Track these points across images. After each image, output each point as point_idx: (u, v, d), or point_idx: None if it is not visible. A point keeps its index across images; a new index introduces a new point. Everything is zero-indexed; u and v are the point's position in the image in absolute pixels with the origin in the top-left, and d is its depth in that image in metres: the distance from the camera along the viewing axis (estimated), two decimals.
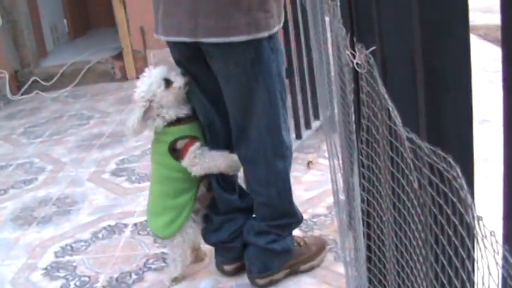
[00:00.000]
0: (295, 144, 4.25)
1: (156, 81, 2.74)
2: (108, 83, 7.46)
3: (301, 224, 3.40)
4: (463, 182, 0.62)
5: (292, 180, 3.95)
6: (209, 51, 2.59)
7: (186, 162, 2.78)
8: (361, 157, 1.25)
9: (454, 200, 0.65)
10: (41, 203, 4.28)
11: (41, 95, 7.27)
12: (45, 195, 4.42)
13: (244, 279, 2.98)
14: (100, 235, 3.68)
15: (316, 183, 3.92)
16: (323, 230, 3.36)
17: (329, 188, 3.53)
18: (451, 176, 0.65)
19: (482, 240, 0.55)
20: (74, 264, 3.40)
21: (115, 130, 5.70)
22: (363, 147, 1.22)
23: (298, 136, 4.52)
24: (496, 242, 0.54)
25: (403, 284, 1.05)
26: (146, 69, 2.84)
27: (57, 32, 9.01)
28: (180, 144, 2.79)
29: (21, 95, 7.39)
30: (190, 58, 2.73)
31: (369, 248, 1.34)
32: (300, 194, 3.77)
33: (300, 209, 3.55)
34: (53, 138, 5.73)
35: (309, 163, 4.18)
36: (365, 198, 1.28)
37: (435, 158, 0.69)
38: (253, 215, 2.96)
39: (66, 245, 3.62)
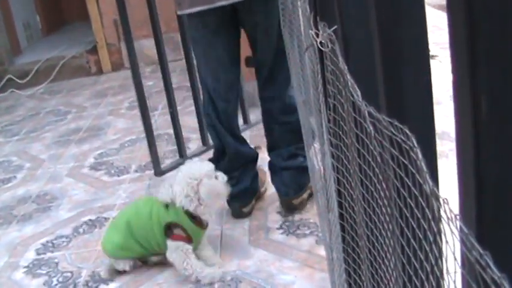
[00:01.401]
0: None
1: (213, 186, 2.92)
2: (84, 78, 7.42)
3: (281, 209, 3.42)
4: (419, 152, 0.61)
5: None
6: (253, 9, 3.01)
7: (170, 244, 2.92)
8: (329, 136, 1.24)
9: (413, 171, 0.65)
10: (20, 201, 4.25)
11: (16, 92, 7.21)
12: (25, 192, 4.39)
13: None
14: (81, 230, 3.66)
15: None
16: (303, 213, 3.37)
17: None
18: (408, 146, 0.64)
19: (439, 211, 0.55)
20: (56, 260, 3.38)
21: (92, 124, 5.67)
22: (330, 126, 1.21)
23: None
24: (455, 217, 0.54)
25: (375, 261, 1.05)
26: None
27: (30, 29, 8.93)
28: (177, 231, 2.91)
29: None
30: (224, 22, 3.08)
31: (342, 227, 1.34)
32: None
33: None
34: (30, 136, 5.69)
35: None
36: (335, 178, 1.28)
37: (393, 130, 0.69)
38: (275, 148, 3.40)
39: (48, 242, 3.60)
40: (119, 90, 6.66)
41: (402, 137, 0.66)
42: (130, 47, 3.94)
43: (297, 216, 3.35)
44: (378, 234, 0.99)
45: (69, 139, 5.38)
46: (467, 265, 0.52)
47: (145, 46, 7.35)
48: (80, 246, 3.47)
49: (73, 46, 8.00)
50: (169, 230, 2.91)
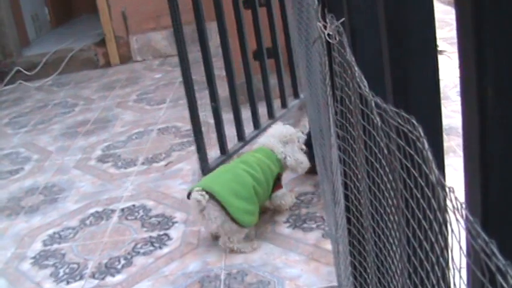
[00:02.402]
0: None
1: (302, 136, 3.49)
2: (92, 70, 7.43)
3: None
4: (425, 141, 0.61)
5: None
6: None
7: (279, 194, 3.34)
8: (336, 129, 1.24)
9: (420, 161, 0.65)
10: (27, 193, 4.27)
11: (24, 84, 7.23)
12: (32, 184, 4.40)
13: (231, 260, 2.98)
14: (88, 222, 3.67)
15: None
16: (310, 207, 3.37)
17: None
18: (414, 136, 0.64)
19: (444, 200, 0.55)
20: (63, 252, 3.39)
21: (100, 116, 5.68)
22: (337, 118, 1.21)
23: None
24: (461, 206, 0.54)
25: (381, 253, 1.05)
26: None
27: (38, 21, 8.94)
28: (278, 182, 3.34)
29: (5, 85, 7.35)
30: None
31: (348, 220, 1.34)
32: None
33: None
34: (38, 128, 5.70)
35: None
36: (342, 171, 1.28)
37: (400, 121, 0.69)
38: None
39: (54, 233, 3.61)
40: (126, 83, 6.66)
41: (409, 127, 0.66)
42: (179, 37, 3.78)
43: (303, 210, 3.35)
44: (383, 226, 0.99)
45: (77, 131, 5.39)
46: (473, 254, 0.52)
47: (153, 39, 7.36)
48: (86, 238, 3.48)
49: (81, 39, 8.01)
50: (278, 180, 3.31)
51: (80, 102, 6.30)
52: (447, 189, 0.55)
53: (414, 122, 0.64)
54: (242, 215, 3.01)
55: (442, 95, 0.97)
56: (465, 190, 0.61)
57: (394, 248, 0.91)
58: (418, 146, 0.64)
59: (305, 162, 3.41)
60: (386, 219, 0.94)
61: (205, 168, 3.84)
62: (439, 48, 5.00)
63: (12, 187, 4.41)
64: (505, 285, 0.44)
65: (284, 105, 4.63)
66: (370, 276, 1.25)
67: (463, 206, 0.51)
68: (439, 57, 0.91)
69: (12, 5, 7.85)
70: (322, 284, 2.73)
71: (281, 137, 3.39)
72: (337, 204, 1.61)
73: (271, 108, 4.45)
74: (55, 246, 3.47)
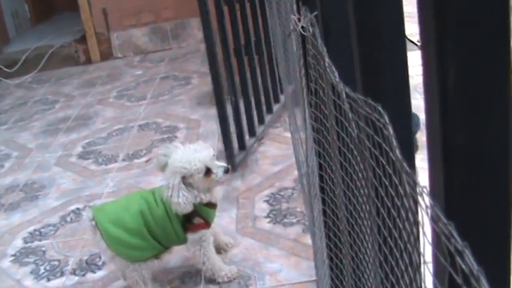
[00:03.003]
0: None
1: (199, 166, 2.64)
2: (72, 67, 7.39)
3: (269, 198, 3.43)
4: (390, 128, 0.62)
5: (258, 155, 3.97)
6: None
7: (192, 237, 2.75)
8: (311, 121, 1.25)
9: (387, 149, 0.65)
10: (7, 190, 4.25)
11: (4, 82, 7.18)
12: (12, 181, 4.38)
13: None
14: (68, 218, 3.66)
15: (282, 157, 3.92)
16: (290, 202, 3.38)
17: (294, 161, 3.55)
18: (381, 124, 0.65)
19: (409, 185, 0.55)
20: (43, 249, 3.38)
21: (80, 113, 5.66)
22: (312, 111, 1.22)
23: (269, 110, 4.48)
24: (423, 190, 0.54)
25: (354, 243, 1.06)
26: (198, 143, 2.77)
27: (18, 18, 8.88)
28: (197, 220, 2.74)
29: None
30: None
31: (324, 212, 1.35)
32: (266, 168, 3.78)
33: (267, 182, 3.59)
34: (18, 125, 5.67)
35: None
36: (318, 163, 1.28)
37: (368, 109, 0.69)
38: None
39: (35, 230, 3.60)
40: (107, 80, 6.64)
41: (376, 116, 0.66)
42: (208, 33, 3.68)
43: (284, 205, 3.36)
44: (357, 217, 1.00)
45: (58, 128, 5.36)
46: (435, 237, 0.53)
47: (134, 36, 7.34)
48: (67, 235, 3.47)
49: (62, 35, 7.96)
50: (187, 221, 2.74)
51: (60, 99, 6.27)
52: (410, 175, 0.55)
53: (380, 109, 0.64)
54: (116, 247, 2.70)
55: (419, 90, 0.97)
56: (429, 173, 0.61)
57: (367, 238, 0.92)
58: (386, 134, 0.64)
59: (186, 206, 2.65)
60: (359, 209, 0.95)
61: (233, 164, 3.78)
62: (416, 40, 5.02)
63: None
64: (463, 266, 0.45)
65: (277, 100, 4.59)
66: (345, 268, 1.25)
67: (425, 190, 0.52)
68: (418, 52, 0.91)
69: None
70: (303, 279, 2.75)
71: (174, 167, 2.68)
72: (315, 198, 1.62)
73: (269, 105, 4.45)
74: (36, 243, 3.46)
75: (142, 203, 2.73)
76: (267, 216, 3.28)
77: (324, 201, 1.33)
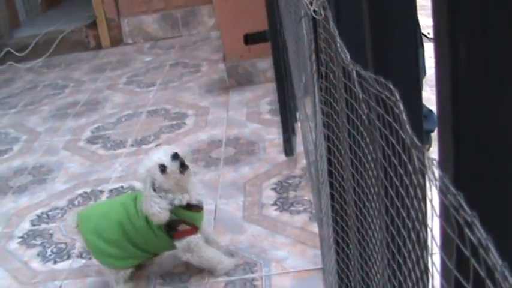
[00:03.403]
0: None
1: (153, 165, 2.58)
2: (83, 52, 7.40)
3: (276, 186, 3.43)
4: (401, 104, 0.62)
5: (266, 143, 3.98)
6: None
7: (179, 244, 2.70)
8: (321, 105, 1.25)
9: (397, 127, 0.66)
10: (16, 173, 4.27)
11: (14, 65, 7.20)
12: (21, 164, 4.40)
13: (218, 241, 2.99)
14: (76, 202, 3.68)
15: None
16: (298, 191, 3.38)
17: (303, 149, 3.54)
18: (392, 102, 0.65)
19: (419, 161, 0.56)
20: (50, 231, 3.40)
21: (90, 98, 5.67)
22: (322, 94, 1.22)
23: None
24: (432, 163, 0.54)
25: (362, 226, 1.06)
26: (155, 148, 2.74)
27: (29, 3, 8.90)
28: (182, 227, 2.68)
29: None
30: None
31: (332, 196, 1.35)
32: (274, 156, 3.78)
33: (275, 171, 3.59)
34: (27, 109, 5.69)
35: None
36: (326, 147, 1.28)
37: (378, 88, 0.69)
38: None
39: (42, 213, 3.62)
40: (117, 65, 6.65)
41: (387, 94, 0.66)
42: (272, 22, 3.67)
43: (291, 193, 3.36)
44: (364, 199, 1.00)
45: (67, 113, 5.38)
46: (444, 210, 0.53)
47: (144, 22, 7.34)
48: None
49: (72, 21, 7.97)
50: (171, 229, 2.67)
51: (70, 84, 6.28)
52: (419, 149, 0.55)
53: (391, 86, 0.64)
54: (97, 255, 2.74)
55: (431, 82, 0.97)
56: (438, 149, 0.61)
57: (374, 220, 0.92)
58: (396, 113, 0.65)
59: (162, 214, 2.57)
60: (367, 191, 0.95)
61: (290, 150, 3.78)
62: (430, 36, 5.01)
63: (1, 167, 4.41)
64: (472, 237, 0.45)
65: None
66: (352, 251, 1.26)
67: (434, 162, 0.52)
68: (430, 44, 0.91)
69: None
70: (308, 266, 2.75)
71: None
72: (323, 183, 1.62)
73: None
74: (43, 226, 3.47)
75: (121, 212, 2.70)
76: (274, 204, 3.28)
77: (331, 185, 1.34)
